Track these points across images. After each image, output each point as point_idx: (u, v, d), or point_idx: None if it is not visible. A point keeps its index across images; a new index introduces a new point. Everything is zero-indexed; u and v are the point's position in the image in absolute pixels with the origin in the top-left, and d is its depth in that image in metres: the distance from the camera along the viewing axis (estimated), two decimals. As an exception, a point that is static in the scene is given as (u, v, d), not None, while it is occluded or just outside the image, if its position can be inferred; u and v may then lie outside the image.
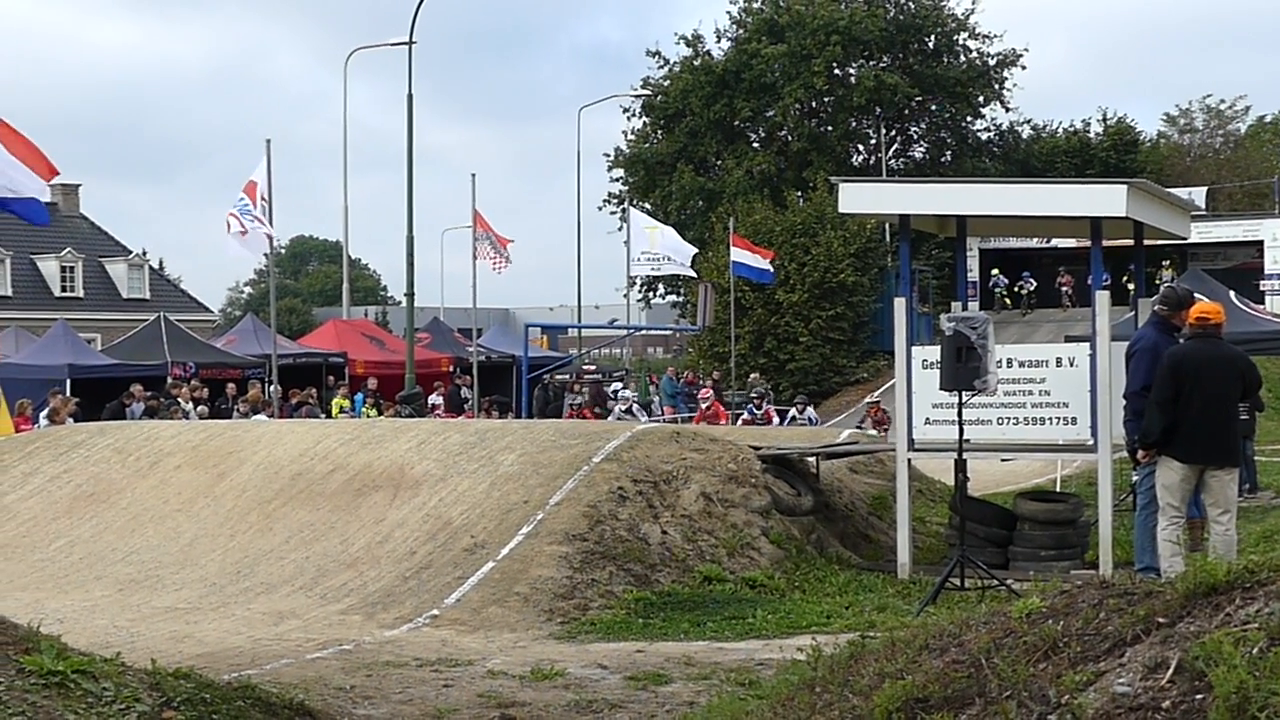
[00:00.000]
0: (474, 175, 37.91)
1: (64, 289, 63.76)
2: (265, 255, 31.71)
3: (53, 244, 64.22)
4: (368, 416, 28.77)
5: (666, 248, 39.29)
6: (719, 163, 61.67)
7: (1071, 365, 14.38)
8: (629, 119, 63.27)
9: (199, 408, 27.71)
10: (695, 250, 41.98)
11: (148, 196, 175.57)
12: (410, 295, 37.70)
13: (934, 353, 14.19)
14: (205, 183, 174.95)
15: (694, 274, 43.61)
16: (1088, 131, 66.06)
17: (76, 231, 66.62)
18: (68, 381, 32.07)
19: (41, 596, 13.68)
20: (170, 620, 12.74)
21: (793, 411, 32.28)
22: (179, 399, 27.84)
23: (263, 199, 28.15)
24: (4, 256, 60.14)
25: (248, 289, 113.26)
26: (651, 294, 62.29)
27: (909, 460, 15.11)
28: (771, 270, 41.76)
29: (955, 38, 62.15)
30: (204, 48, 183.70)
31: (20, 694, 7.17)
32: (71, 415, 24.50)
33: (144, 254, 70.97)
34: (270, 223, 28.96)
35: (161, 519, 16.07)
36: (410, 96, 37.09)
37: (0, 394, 21.87)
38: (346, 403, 31.97)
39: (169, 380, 31.75)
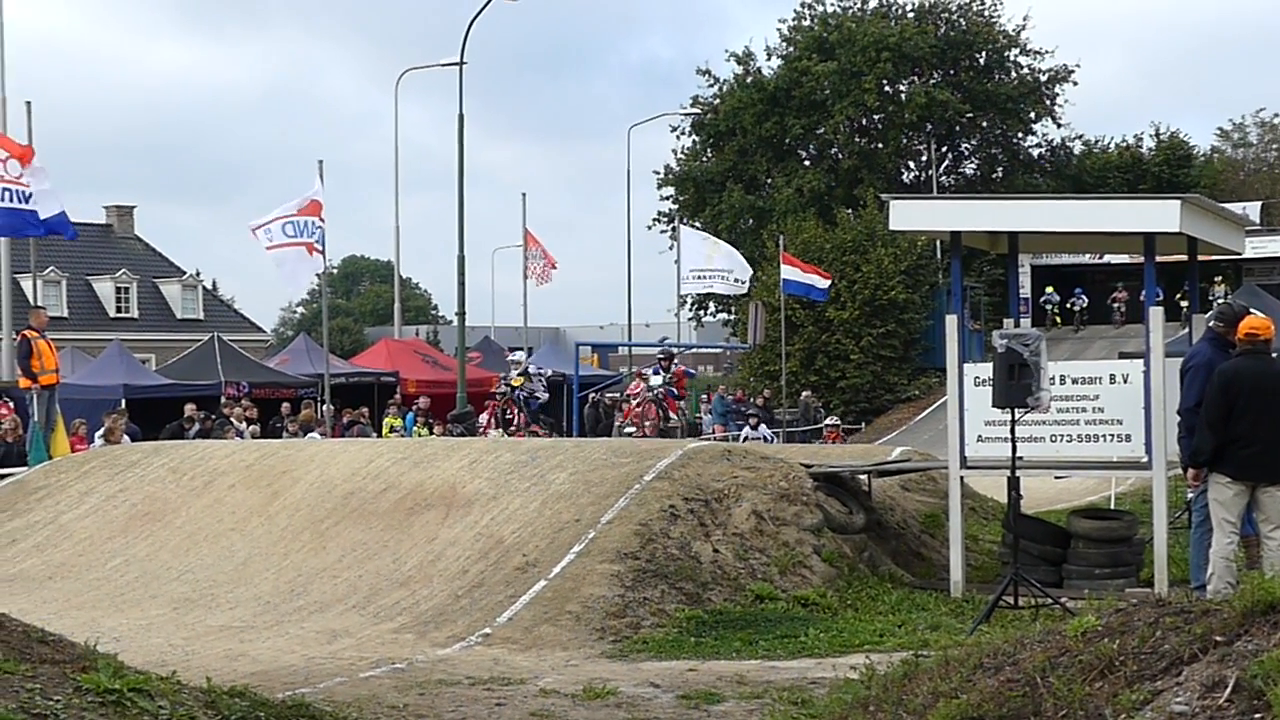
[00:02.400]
0: (524, 194, 38.15)
1: (119, 310, 64.29)
2: (317, 276, 31.66)
3: (108, 265, 64.81)
4: (419, 435, 28.86)
5: (725, 263, 39.17)
6: (769, 181, 61.62)
7: (1125, 382, 14.29)
8: (678, 137, 63.34)
9: (250, 427, 27.85)
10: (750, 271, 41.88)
11: (201, 217, 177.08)
12: (461, 314, 37.83)
13: (986, 370, 14.13)
14: (258, 203, 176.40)
15: (744, 292, 43.51)
16: (1140, 146, 65.64)
17: (131, 253, 67.20)
18: (123, 401, 32.31)
19: (98, 615, 13.77)
20: (225, 638, 12.80)
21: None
22: (232, 419, 28.00)
23: (319, 222, 28.13)
24: (60, 278, 60.70)
25: (300, 309, 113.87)
26: (702, 312, 62.27)
27: (961, 478, 15.04)
28: (825, 289, 41.66)
29: (1006, 54, 61.94)
30: (257, 69, 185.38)
31: (78, 712, 7.22)
32: (128, 434, 24.69)
33: (198, 275, 71.52)
34: (322, 244, 28.93)
35: (216, 538, 16.16)
36: (461, 116, 37.28)
37: (58, 414, 22.05)
38: (398, 422, 32.07)
39: (222, 400, 31.94)
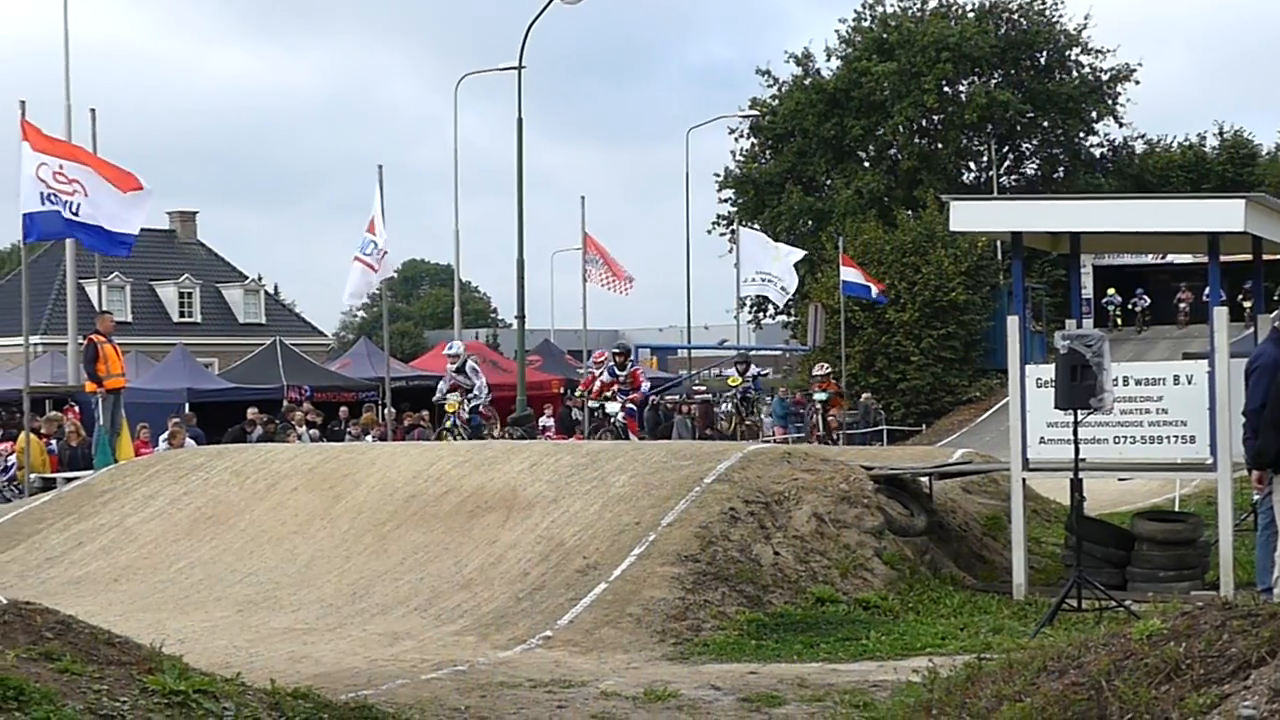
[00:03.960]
0: (583, 197, 38.07)
1: (182, 314, 64.85)
2: (378, 287, 31.43)
3: (171, 270, 65.38)
4: (481, 439, 29.00)
5: (781, 270, 39.05)
6: (828, 182, 61.46)
7: (1189, 383, 14.15)
8: (737, 139, 63.26)
9: (310, 430, 27.98)
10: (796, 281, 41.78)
11: (263, 223, 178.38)
12: (521, 317, 37.94)
13: (1049, 371, 14.04)
14: (320, 208, 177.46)
15: (793, 296, 43.35)
16: (1203, 145, 65.02)
17: (194, 258, 67.76)
18: (186, 405, 32.58)
19: (163, 617, 13.89)
20: (288, 641, 12.88)
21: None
22: (293, 423, 28.16)
23: (372, 233, 28.05)
24: (124, 283, 61.28)
25: (361, 313, 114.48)
26: (762, 314, 62.16)
27: (1024, 480, 14.95)
28: (880, 296, 41.54)
29: (1067, 53, 61.51)
30: (319, 75, 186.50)
31: (144, 713, 7.29)
32: (191, 438, 24.90)
33: (259, 279, 72.08)
34: (374, 258, 28.79)
35: (279, 540, 16.27)
36: (520, 120, 37.42)
37: (123, 418, 22.26)
38: (459, 425, 32.16)
39: (284, 403, 32.15)
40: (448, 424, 22.68)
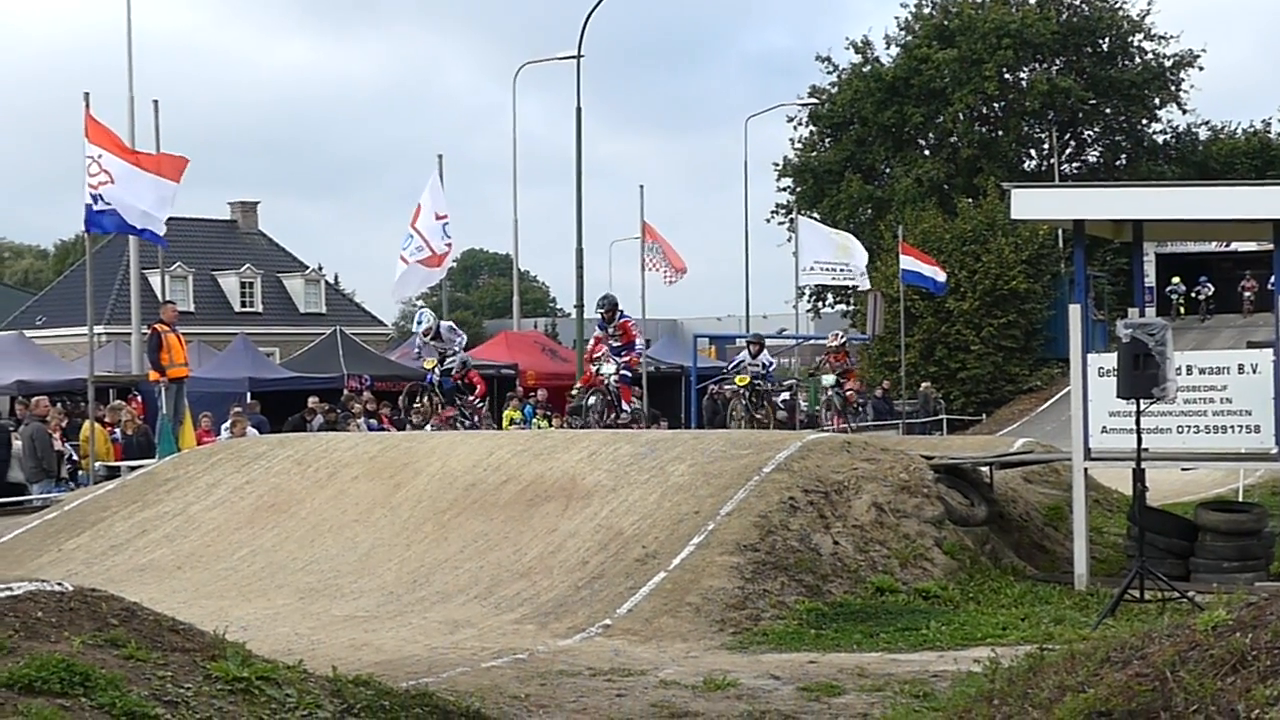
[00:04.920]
0: (642, 187, 38.13)
1: (243, 304, 65.31)
2: (427, 289, 31.20)
3: (232, 260, 65.86)
4: (539, 427, 28.98)
5: (848, 256, 38.87)
6: (888, 170, 61.22)
7: (1254, 372, 14.03)
8: (795, 128, 63.07)
9: (368, 420, 28.02)
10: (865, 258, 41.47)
11: (324, 212, 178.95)
12: (580, 307, 37.97)
13: (1111, 360, 13.94)
14: (379, 198, 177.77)
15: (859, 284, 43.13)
16: (1268, 132, 64.30)
17: (255, 248, 68.22)
18: (248, 394, 32.80)
19: (226, 604, 14.00)
20: (349, 628, 12.96)
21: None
22: (353, 412, 28.27)
23: (438, 217, 27.87)
24: (186, 273, 61.78)
25: (419, 302, 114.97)
26: (821, 304, 61.99)
27: (1085, 470, 14.85)
28: (942, 281, 41.27)
29: (1130, 39, 60.97)
30: (378, 65, 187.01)
31: (207, 699, 7.35)
32: (254, 427, 25.06)
33: (320, 269, 72.45)
34: (432, 243, 28.60)
35: (340, 529, 16.37)
36: (579, 109, 37.42)
37: (186, 407, 22.43)
38: (518, 414, 32.27)
39: (344, 392, 32.31)
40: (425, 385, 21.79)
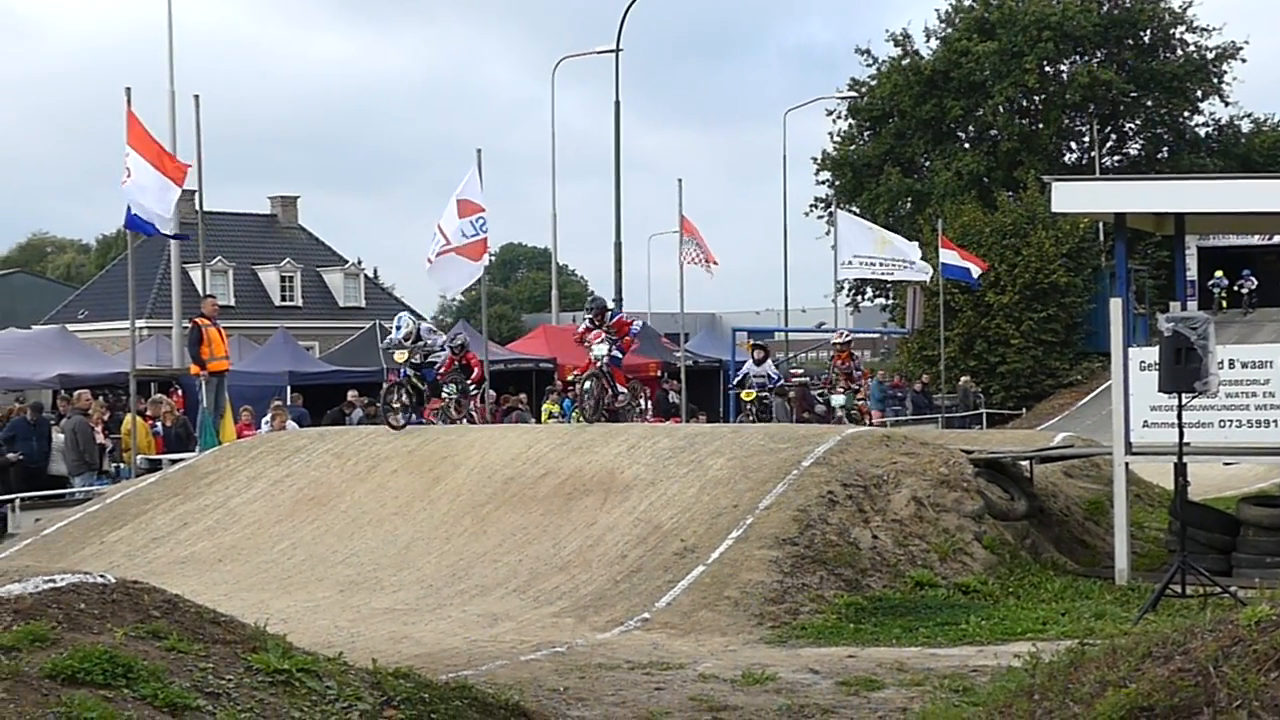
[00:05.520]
0: (680, 180, 38.05)
1: (283, 298, 65.56)
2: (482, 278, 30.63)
3: (273, 255, 66.12)
4: (578, 421, 28.96)
5: (899, 252, 38.62)
6: (927, 164, 60.99)
7: (1298, 366, 13.92)
8: (834, 121, 62.90)
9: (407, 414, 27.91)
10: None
11: (363, 207, 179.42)
12: (618, 300, 37.98)
13: (1152, 354, 13.87)
14: (419, 192, 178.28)
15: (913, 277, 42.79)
16: (1313, 124, 63.75)
17: (295, 242, 68.46)
18: (288, 388, 32.93)
19: (266, 597, 14.07)
20: (389, 621, 13.01)
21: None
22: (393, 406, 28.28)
23: (472, 209, 27.72)
24: (227, 267, 62.05)
25: (459, 297, 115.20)
26: (860, 297, 61.82)
27: (1126, 464, 14.77)
28: (977, 277, 41.05)
29: (1172, 31, 60.56)
30: (417, 59, 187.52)
31: (248, 691, 7.39)
32: (294, 420, 25.15)
33: (359, 263, 72.65)
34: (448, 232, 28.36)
35: (379, 522, 16.43)
36: (618, 103, 37.46)
37: (227, 400, 22.53)
38: (557, 408, 32.29)
39: (384, 386, 32.35)
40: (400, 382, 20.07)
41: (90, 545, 17.02)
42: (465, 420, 20.84)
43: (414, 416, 18.97)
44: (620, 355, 19.08)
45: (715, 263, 39.24)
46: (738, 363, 38.65)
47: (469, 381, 21.00)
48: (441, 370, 20.92)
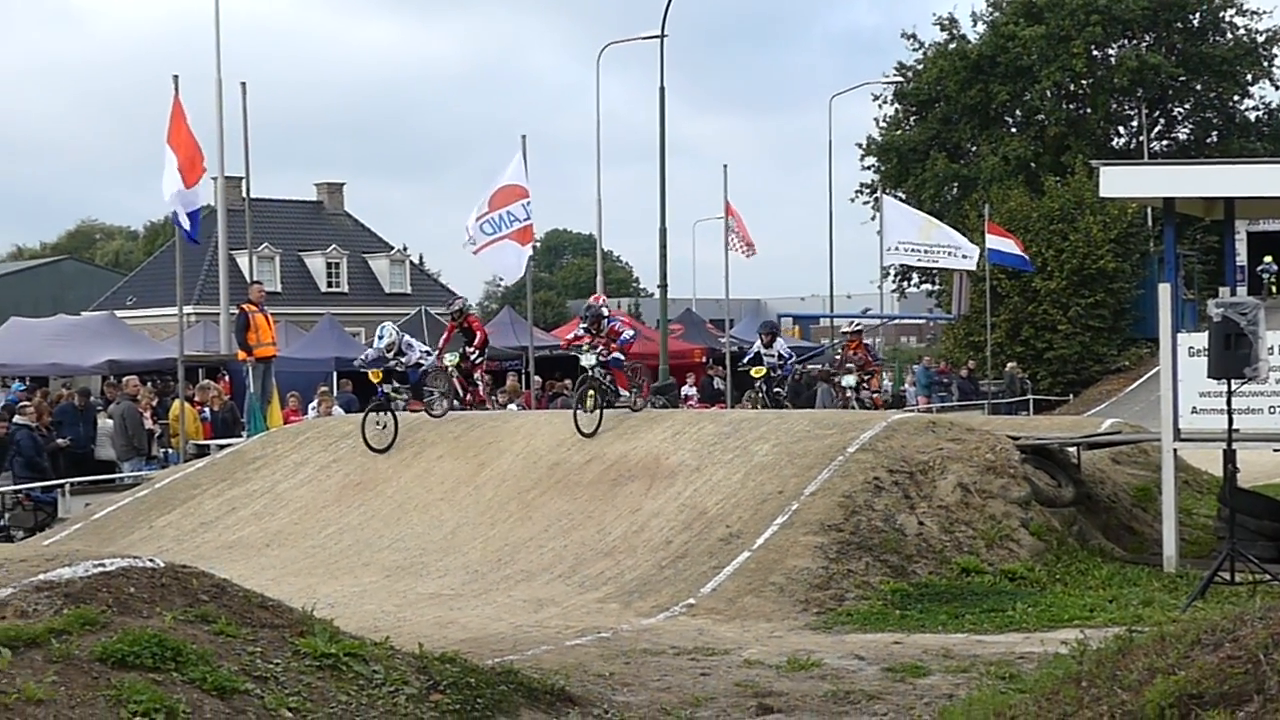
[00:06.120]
0: (725, 166, 37.96)
1: (330, 284, 65.80)
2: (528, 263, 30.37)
3: (319, 241, 66.37)
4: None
5: (946, 239, 38.43)
6: (973, 149, 60.65)
7: (1349, 352, 13.80)
8: (880, 106, 62.63)
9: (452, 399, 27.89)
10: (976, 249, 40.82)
11: (408, 193, 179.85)
12: (663, 287, 38.01)
13: (1201, 340, 13.77)
14: (463, 179, 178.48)
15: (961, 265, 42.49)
16: (1365, 108, 63.11)
17: (341, 229, 68.70)
18: (334, 374, 33.05)
19: (313, 582, 14.15)
20: (435, 606, 13.06)
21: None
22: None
23: (516, 196, 27.63)
24: (273, 254, 62.32)
25: (504, 282, 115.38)
26: (906, 283, 61.59)
27: (1175, 450, 14.68)
28: (1027, 258, 40.78)
29: (1221, 14, 60.03)
30: (461, 46, 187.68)
31: (296, 675, 7.44)
32: (341, 406, 25.25)
33: (405, 249, 72.84)
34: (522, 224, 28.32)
35: (425, 507, 16.49)
36: (662, 89, 37.36)
37: (274, 386, 22.64)
38: (601, 393, 32.25)
39: (429, 372, 32.41)
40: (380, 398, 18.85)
41: (139, 530, 17.15)
42: (469, 394, 20.52)
43: (396, 437, 18.12)
44: (621, 357, 18.39)
45: (751, 245, 39.15)
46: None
47: (472, 347, 20.63)
48: (443, 341, 20.72)
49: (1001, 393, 40.53)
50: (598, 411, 17.25)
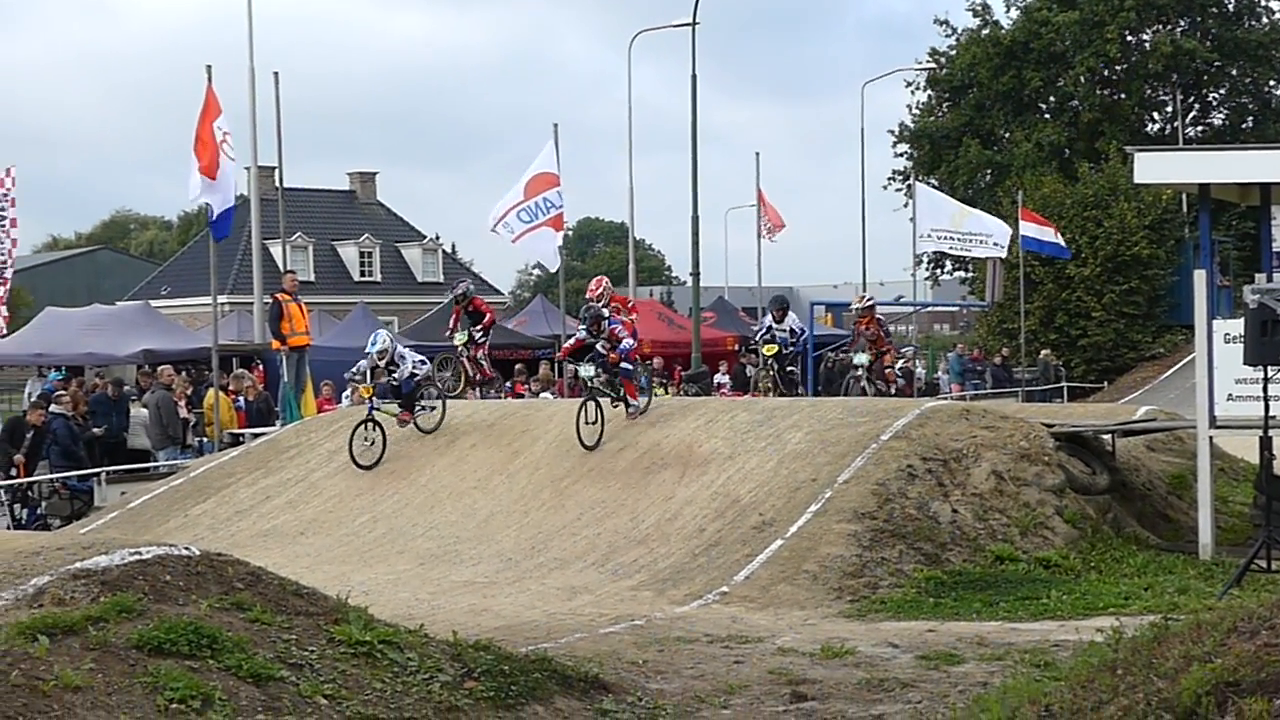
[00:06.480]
0: (758, 154, 38.00)
1: (362, 274, 65.96)
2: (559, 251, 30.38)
3: (351, 230, 66.52)
4: (656, 396, 28.95)
5: (979, 226, 38.25)
6: (1007, 135, 60.40)
7: (1387, 338, 13.68)
8: (913, 93, 62.43)
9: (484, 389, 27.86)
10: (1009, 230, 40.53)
11: (440, 182, 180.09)
12: (695, 275, 38.01)
13: (1237, 326, 13.69)
14: (496, 167, 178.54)
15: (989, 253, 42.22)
16: (1403, 92, 62.61)
17: (374, 218, 68.84)
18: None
19: (348, 569, 14.20)
20: (469, 593, 13.09)
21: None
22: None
23: (558, 195, 27.61)
24: (307, 243, 62.48)
25: (536, 271, 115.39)
26: (939, 270, 61.41)
27: (1210, 438, 14.60)
28: (1065, 245, 40.57)
29: (1256, -2, 59.65)
30: (493, 34, 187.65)
31: (331, 662, 7.47)
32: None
33: (437, 238, 72.96)
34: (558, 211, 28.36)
35: (459, 495, 16.52)
36: (694, 77, 37.32)
37: (308, 375, 22.71)
38: (633, 382, 32.26)
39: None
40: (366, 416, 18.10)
41: (175, 518, 17.23)
42: (478, 373, 20.45)
43: (384, 452, 17.55)
44: (630, 367, 17.60)
45: (781, 226, 38.98)
46: (816, 336, 38.51)
47: (479, 327, 20.58)
48: (451, 322, 20.66)
49: (1035, 380, 40.38)
50: (600, 424, 16.86)
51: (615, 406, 17.17)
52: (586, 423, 16.81)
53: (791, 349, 22.38)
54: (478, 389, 20.76)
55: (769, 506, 14.21)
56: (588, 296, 19.46)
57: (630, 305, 22.32)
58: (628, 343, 17.67)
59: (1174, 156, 17.73)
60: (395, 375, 18.10)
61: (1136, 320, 47.59)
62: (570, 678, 8.34)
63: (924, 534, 13.56)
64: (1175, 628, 6.05)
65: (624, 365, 17.45)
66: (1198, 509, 14.72)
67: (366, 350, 18.41)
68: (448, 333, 20.37)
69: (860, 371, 22.35)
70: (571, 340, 18.52)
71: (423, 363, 18.69)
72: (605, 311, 18.18)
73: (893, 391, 22.31)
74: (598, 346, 17.59)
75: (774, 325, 22.36)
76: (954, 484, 14.41)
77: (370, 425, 17.72)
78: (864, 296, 25.11)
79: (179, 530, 16.41)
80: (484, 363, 20.70)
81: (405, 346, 19.00)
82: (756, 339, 24.11)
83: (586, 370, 17.32)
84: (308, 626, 7.75)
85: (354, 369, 18.78)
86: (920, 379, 35.45)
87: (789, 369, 22.22)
